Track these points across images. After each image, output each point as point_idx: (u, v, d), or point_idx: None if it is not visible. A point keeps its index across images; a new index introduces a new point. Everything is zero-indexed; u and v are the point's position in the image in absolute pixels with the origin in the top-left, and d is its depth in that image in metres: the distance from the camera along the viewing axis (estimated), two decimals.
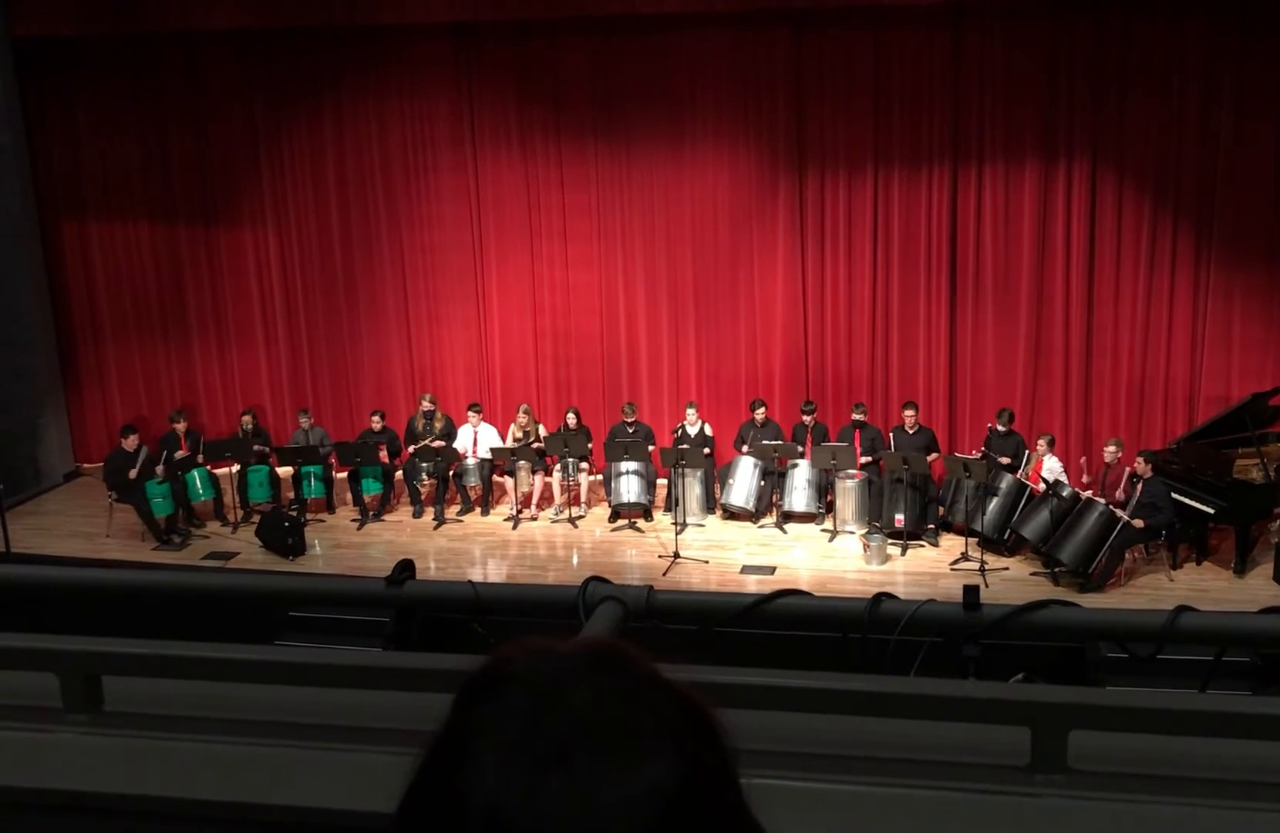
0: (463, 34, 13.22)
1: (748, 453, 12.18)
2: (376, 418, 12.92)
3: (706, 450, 12.35)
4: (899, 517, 11.57)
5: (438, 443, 12.70)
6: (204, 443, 12.97)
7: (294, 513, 12.26)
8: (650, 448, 12.37)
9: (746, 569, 11.20)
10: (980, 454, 11.65)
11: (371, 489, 12.62)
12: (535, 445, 12.61)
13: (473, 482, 12.75)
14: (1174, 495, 10.89)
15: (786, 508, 12.16)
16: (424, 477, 12.67)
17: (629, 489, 12.25)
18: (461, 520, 12.59)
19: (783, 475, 12.16)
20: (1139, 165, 12.34)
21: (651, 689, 0.88)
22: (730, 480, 12.17)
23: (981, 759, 1.83)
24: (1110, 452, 11.30)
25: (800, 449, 12.16)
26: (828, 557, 11.51)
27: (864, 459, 12.06)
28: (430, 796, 0.86)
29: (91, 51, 13.70)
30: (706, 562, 11.34)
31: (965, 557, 11.16)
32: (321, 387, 14.44)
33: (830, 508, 12.09)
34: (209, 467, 12.67)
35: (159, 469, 12.18)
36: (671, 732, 0.85)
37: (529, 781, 0.81)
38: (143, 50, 13.66)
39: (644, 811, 0.81)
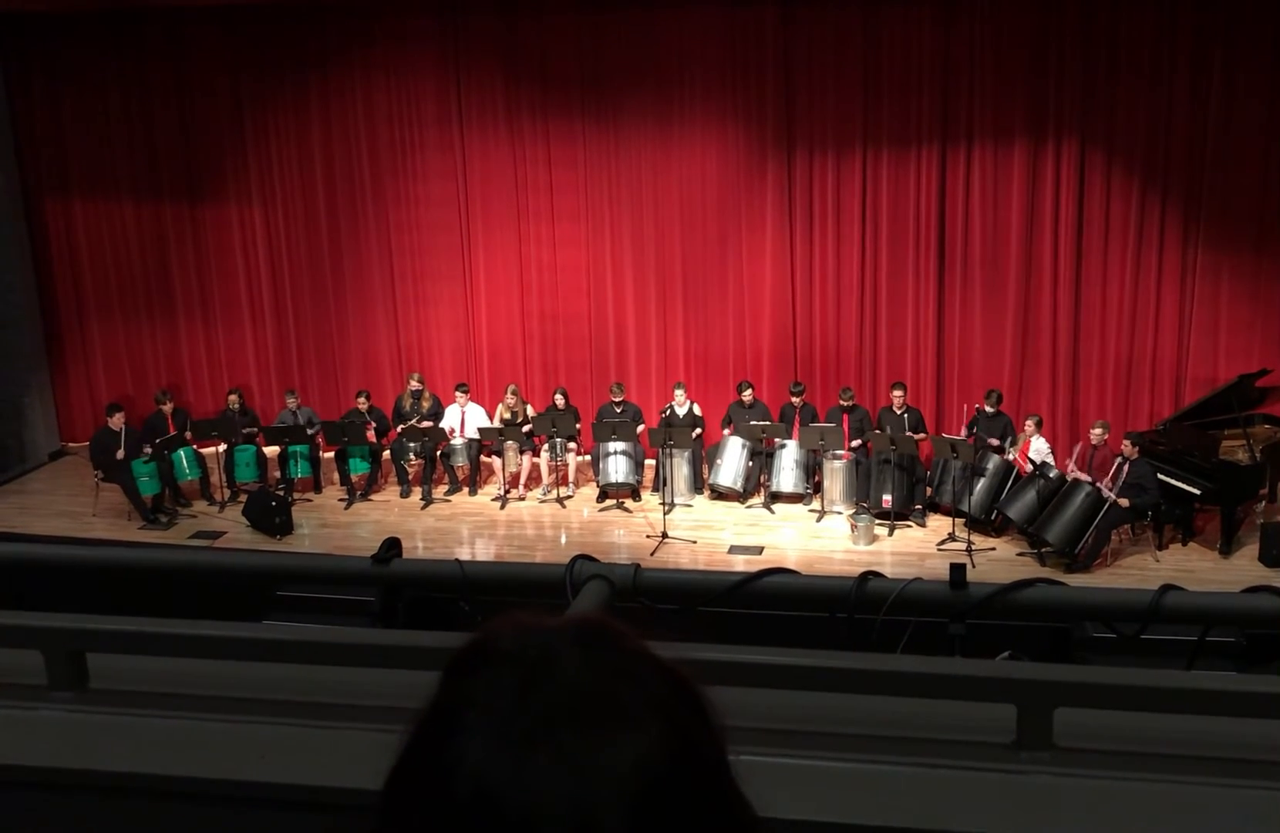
0: (450, 10, 13.13)
1: (736, 433, 12.18)
2: (362, 399, 12.88)
3: (695, 431, 12.35)
4: (886, 497, 11.59)
5: (425, 423, 12.68)
6: (191, 422, 12.93)
7: (281, 492, 12.25)
8: (638, 428, 12.36)
9: (734, 549, 11.22)
10: (968, 434, 11.67)
11: (359, 469, 12.61)
12: (524, 426, 12.59)
13: (460, 462, 12.73)
14: (1160, 476, 10.92)
15: (774, 488, 12.18)
16: (411, 456, 12.65)
17: (617, 469, 12.25)
18: (449, 500, 12.58)
19: (771, 456, 12.17)
20: (1128, 145, 12.32)
21: (639, 664, 0.88)
22: (718, 461, 12.17)
23: (967, 737, 1.84)
24: (1096, 434, 11.30)
25: (788, 429, 12.17)
26: (815, 537, 11.54)
27: (853, 443, 12.07)
28: (418, 771, 0.85)
29: (76, 28, 13.57)
30: (694, 542, 11.36)
31: (952, 537, 11.20)
32: (308, 365, 14.39)
33: (818, 488, 12.11)
34: (195, 446, 12.63)
35: (145, 449, 12.14)
36: (659, 706, 0.85)
37: (517, 755, 0.81)
38: (127, 26, 13.54)
39: (632, 784, 0.80)
